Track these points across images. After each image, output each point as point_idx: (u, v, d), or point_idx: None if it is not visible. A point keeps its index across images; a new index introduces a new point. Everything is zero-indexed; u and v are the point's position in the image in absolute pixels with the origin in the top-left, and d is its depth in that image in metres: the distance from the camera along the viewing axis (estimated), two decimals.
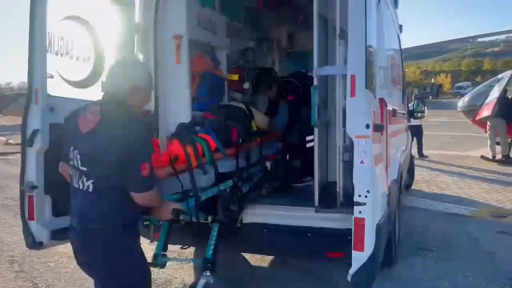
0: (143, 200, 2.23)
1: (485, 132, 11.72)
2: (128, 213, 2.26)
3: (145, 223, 2.80)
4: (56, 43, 3.18)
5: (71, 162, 2.24)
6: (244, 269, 4.45)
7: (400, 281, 4.04)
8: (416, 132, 10.82)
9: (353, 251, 2.52)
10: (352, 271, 2.49)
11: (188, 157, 2.96)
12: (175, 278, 4.24)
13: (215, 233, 3.28)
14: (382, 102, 3.01)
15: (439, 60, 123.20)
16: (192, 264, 4.48)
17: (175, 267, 4.41)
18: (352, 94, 2.57)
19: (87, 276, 4.02)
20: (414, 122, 8.91)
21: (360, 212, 2.48)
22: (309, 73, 4.76)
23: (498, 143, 11.11)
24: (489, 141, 11.28)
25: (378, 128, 2.58)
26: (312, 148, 3.64)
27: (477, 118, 11.87)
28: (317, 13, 3.44)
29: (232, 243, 3.52)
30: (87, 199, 2.20)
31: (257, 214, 3.58)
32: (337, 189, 3.41)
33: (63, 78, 3.29)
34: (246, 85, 5.15)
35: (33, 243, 2.99)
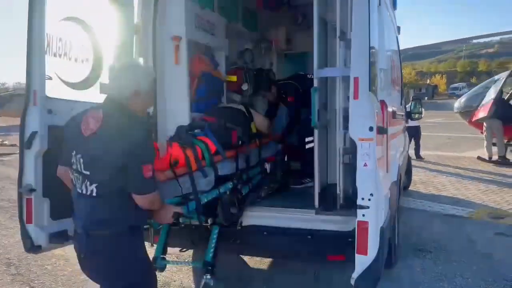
0: (145, 202, 2.22)
1: (482, 133, 11.75)
2: (132, 217, 2.25)
3: (145, 226, 2.78)
4: (55, 44, 3.15)
5: (74, 167, 2.22)
6: (244, 271, 4.43)
7: (400, 283, 4.04)
8: (415, 133, 10.85)
9: (356, 254, 2.50)
10: (355, 274, 2.47)
11: (188, 160, 2.94)
12: (174, 281, 4.21)
13: (215, 236, 3.27)
14: (383, 104, 2.99)
15: (434, 61, 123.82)
16: (190, 266, 4.46)
17: (173, 269, 4.38)
18: (355, 96, 2.55)
19: (85, 279, 4.02)
20: (412, 123, 8.91)
21: (363, 216, 2.46)
22: (308, 75, 4.75)
23: (494, 144, 11.14)
24: (485, 142, 11.32)
25: (381, 130, 2.57)
26: (311, 149, 3.63)
27: (474, 119, 11.91)
28: (317, 14, 3.43)
29: (232, 246, 3.50)
30: (91, 204, 2.18)
31: (257, 217, 3.56)
32: (337, 191, 3.41)
33: (62, 80, 3.25)
34: (245, 87, 5.14)
35: (32, 247, 2.95)
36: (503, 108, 11.22)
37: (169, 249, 3.45)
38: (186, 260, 4.42)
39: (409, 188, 7.92)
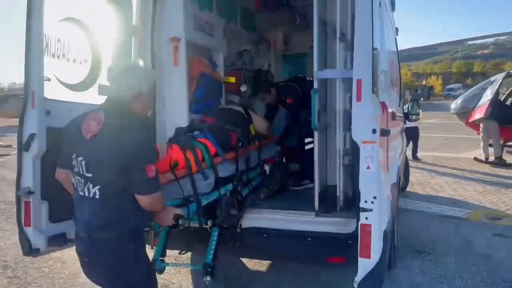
0: (148, 202, 2.21)
1: (478, 134, 11.79)
2: (136, 218, 2.24)
3: (145, 228, 2.76)
4: (53, 45, 3.12)
5: (75, 169, 2.20)
6: (243, 273, 4.41)
7: (400, 284, 4.03)
8: (413, 134, 10.86)
9: (359, 258, 2.48)
10: (358, 278, 2.45)
11: (189, 162, 2.93)
12: (173, 283, 4.19)
13: (215, 238, 3.25)
14: (384, 105, 2.98)
15: (430, 62, 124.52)
16: (189, 269, 4.43)
17: (172, 272, 4.36)
18: (358, 98, 2.54)
19: (83, 282, 3.99)
20: (411, 124, 8.91)
21: (366, 218, 2.45)
22: (307, 77, 4.75)
23: (491, 145, 11.18)
24: (482, 143, 11.35)
25: (384, 133, 2.56)
26: (310, 151, 3.61)
27: (470, 120, 11.95)
28: (318, 15, 3.42)
29: (231, 248, 3.47)
30: (94, 206, 2.17)
31: (257, 219, 3.53)
32: (338, 193, 3.39)
33: (60, 81, 3.23)
34: (243, 88, 5.13)
35: (30, 250, 2.91)
36: (499, 109, 11.27)
37: (168, 252, 3.43)
38: (185, 263, 4.40)
39: (407, 189, 7.93)
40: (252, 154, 4.02)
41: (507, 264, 4.52)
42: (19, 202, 2.92)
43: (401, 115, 5.87)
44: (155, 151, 2.26)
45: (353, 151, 3.12)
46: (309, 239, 3.29)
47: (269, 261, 4.54)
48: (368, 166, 2.45)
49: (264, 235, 3.45)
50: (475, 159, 11.41)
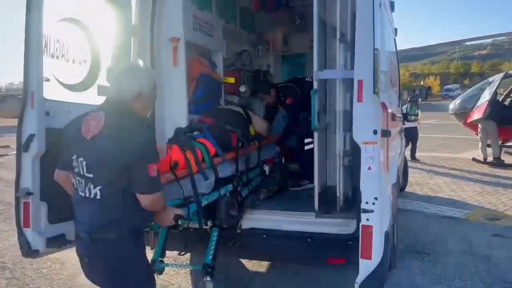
0: (150, 202, 2.20)
1: (476, 134, 11.81)
2: (136, 219, 2.23)
3: (145, 229, 2.75)
4: (52, 45, 3.10)
5: (76, 170, 2.19)
6: (243, 273, 4.40)
7: (399, 285, 4.03)
8: (413, 135, 10.86)
9: (360, 259, 2.47)
10: (360, 279, 2.44)
11: (189, 163, 2.92)
12: (172, 285, 4.18)
13: (214, 238, 3.24)
14: (384, 106, 2.98)
15: (428, 63, 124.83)
16: (188, 270, 4.42)
17: (171, 273, 4.35)
18: (359, 99, 2.53)
19: (82, 283, 3.97)
20: (411, 124, 8.92)
21: (367, 220, 2.44)
22: (307, 78, 4.75)
23: (489, 146, 11.21)
24: (480, 144, 11.38)
25: (385, 133, 2.55)
26: (309, 151, 3.60)
27: (469, 120, 11.97)
28: (317, 16, 3.41)
29: (231, 249, 3.46)
30: (95, 207, 2.15)
31: (257, 220, 3.52)
32: (337, 194, 3.39)
33: (59, 81, 3.21)
34: (243, 88, 5.12)
35: (29, 251, 2.90)
36: (497, 109, 11.28)
37: (167, 253, 3.42)
38: (185, 263, 4.38)
39: (405, 190, 7.93)
40: (251, 154, 4.02)
41: (507, 264, 4.51)
42: (18, 203, 2.91)
43: (400, 115, 5.87)
44: (156, 151, 2.25)
45: (353, 152, 3.12)
46: (309, 240, 3.28)
47: (269, 262, 4.53)
48: (369, 167, 2.44)
49: (264, 236, 3.44)
50: (474, 159, 11.43)
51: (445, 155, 12.82)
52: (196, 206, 2.91)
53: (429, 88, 75.71)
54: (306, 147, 4.39)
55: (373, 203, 2.43)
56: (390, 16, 4.76)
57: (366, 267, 2.45)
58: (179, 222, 2.56)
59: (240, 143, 3.77)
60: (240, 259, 4.57)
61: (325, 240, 3.26)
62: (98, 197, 2.13)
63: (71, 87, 3.33)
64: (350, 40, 3.39)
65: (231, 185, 3.49)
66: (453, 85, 68.24)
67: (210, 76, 4.52)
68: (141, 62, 2.47)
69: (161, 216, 2.43)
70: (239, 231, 3.42)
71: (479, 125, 11.39)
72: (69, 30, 3.28)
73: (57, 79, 3.19)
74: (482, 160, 11.16)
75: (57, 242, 3.01)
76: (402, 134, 6.71)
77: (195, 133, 3.55)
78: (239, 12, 5.68)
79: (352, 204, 3.37)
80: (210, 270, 3.07)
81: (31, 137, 2.86)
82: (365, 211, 2.43)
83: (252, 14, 6.14)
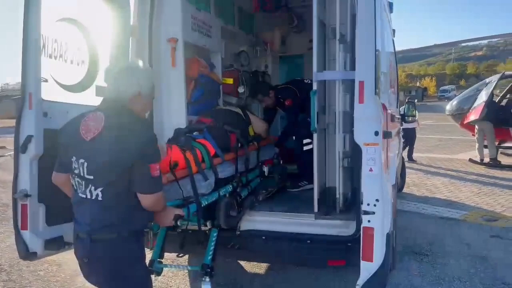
0: (151, 202, 2.18)
1: (473, 135, 11.84)
2: (137, 219, 2.22)
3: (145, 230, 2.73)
4: (50, 45, 3.08)
5: (76, 171, 2.16)
6: (242, 275, 4.38)
7: (399, 287, 4.02)
8: (410, 136, 10.87)
9: (361, 261, 2.46)
10: (361, 281, 2.43)
11: (188, 163, 2.91)
12: (170, 287, 4.15)
13: (213, 239, 3.23)
14: (384, 107, 2.97)
15: (424, 64, 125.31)
16: (187, 271, 4.40)
17: (170, 275, 4.32)
18: (361, 100, 2.52)
19: (80, 285, 3.94)
20: (409, 125, 8.92)
21: (369, 221, 2.43)
22: (305, 80, 4.74)
23: (486, 147, 11.24)
24: (477, 145, 11.40)
25: (386, 135, 2.55)
26: (308, 152, 3.59)
27: (465, 121, 11.99)
28: (317, 17, 3.41)
29: (230, 250, 3.45)
30: (96, 208, 2.13)
31: (256, 221, 3.51)
32: (337, 195, 3.38)
33: (57, 82, 3.18)
34: (241, 89, 5.12)
35: (27, 254, 2.87)
36: (494, 110, 11.30)
37: (166, 254, 3.40)
38: (184, 264, 4.36)
39: (403, 190, 7.94)
40: (251, 155, 4.01)
41: (506, 265, 4.52)
42: (16, 205, 2.88)
43: (399, 116, 5.87)
44: (158, 150, 2.23)
45: (353, 153, 3.12)
46: (309, 241, 3.26)
47: (268, 264, 4.52)
48: (371, 168, 2.43)
49: (263, 237, 3.43)
50: (470, 160, 11.46)
51: (442, 156, 12.85)
52: (196, 207, 2.89)
53: (425, 89, 76.02)
54: (305, 148, 4.38)
55: (375, 205, 2.42)
56: (389, 17, 4.76)
57: (367, 269, 2.44)
58: (179, 222, 2.54)
59: (239, 144, 3.76)
60: (239, 261, 4.55)
61: (324, 242, 3.24)
62: (99, 198, 2.11)
63: (69, 88, 3.30)
64: (350, 41, 3.38)
65: (230, 186, 3.48)
66: (449, 86, 68.62)
67: (209, 77, 4.51)
68: (140, 62, 2.45)
69: (161, 216, 2.42)
70: (238, 233, 3.40)
71: (476, 126, 11.42)
72: (67, 30, 3.26)
73: (55, 80, 3.17)
74: (479, 161, 11.18)
75: (55, 244, 2.98)
76: (400, 135, 6.73)
77: (194, 133, 3.54)
78: (237, 13, 5.67)
79: (351, 206, 3.36)
80: (209, 270, 3.06)
81: (29, 138, 2.83)
82: (367, 212, 2.42)
83: (250, 14, 6.13)
